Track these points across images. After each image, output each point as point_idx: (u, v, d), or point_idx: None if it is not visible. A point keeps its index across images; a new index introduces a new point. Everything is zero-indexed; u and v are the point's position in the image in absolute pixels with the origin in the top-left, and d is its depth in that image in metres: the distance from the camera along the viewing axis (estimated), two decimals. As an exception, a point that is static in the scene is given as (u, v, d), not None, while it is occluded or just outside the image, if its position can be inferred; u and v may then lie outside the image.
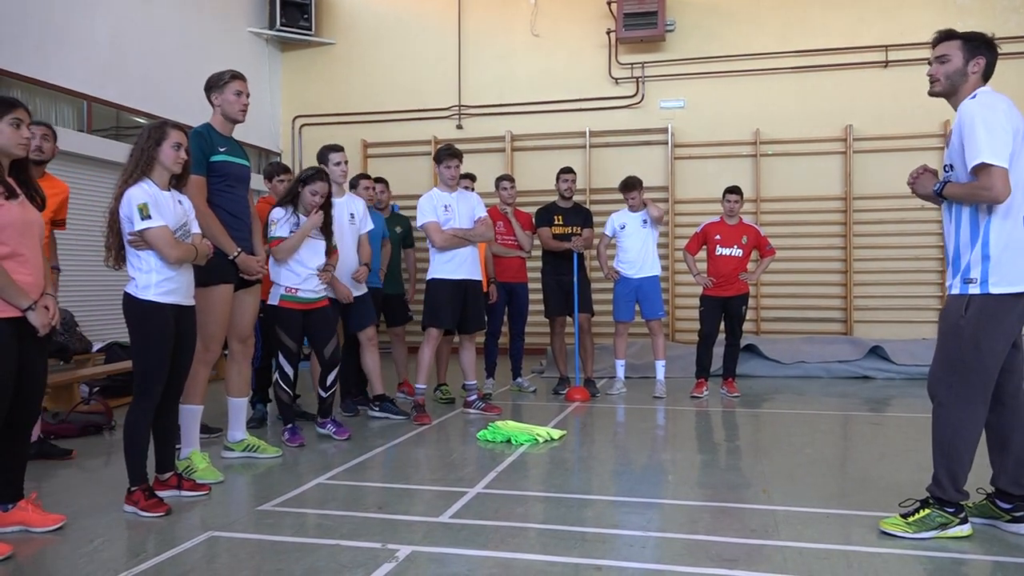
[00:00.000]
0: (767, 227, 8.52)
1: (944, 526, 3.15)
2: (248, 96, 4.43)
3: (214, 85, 4.39)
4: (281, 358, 4.95)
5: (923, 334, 9.32)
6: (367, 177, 6.60)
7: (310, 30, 10.89)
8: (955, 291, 3.17)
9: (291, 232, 4.85)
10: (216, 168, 4.28)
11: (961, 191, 3.12)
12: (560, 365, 7.11)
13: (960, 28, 10.61)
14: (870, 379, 7.85)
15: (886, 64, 9.51)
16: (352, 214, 5.62)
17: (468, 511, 3.58)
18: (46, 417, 5.16)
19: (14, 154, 3.27)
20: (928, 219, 9.51)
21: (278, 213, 4.88)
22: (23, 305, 3.17)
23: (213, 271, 4.11)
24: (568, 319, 7.01)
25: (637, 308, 6.91)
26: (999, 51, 3.31)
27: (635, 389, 7.14)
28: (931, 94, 3.34)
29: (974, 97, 3.16)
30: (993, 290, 3.07)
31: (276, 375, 4.98)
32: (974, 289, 3.10)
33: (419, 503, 3.76)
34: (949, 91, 3.27)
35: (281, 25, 10.70)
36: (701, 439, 5.43)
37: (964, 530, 3.16)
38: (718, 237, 6.75)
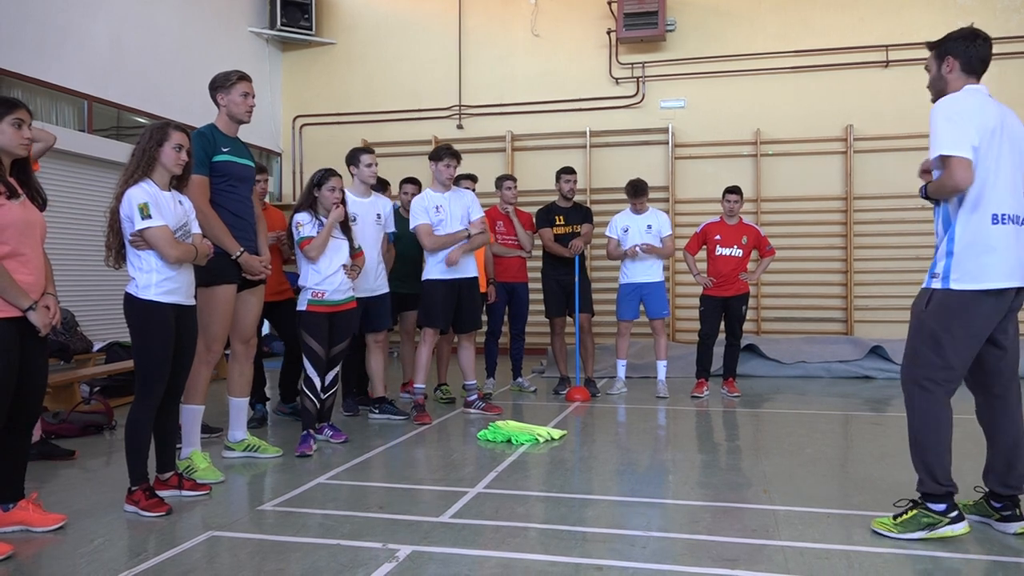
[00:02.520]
0: (767, 227, 8.52)
1: (932, 526, 3.13)
2: (254, 97, 4.44)
3: (220, 85, 4.39)
4: (307, 364, 4.87)
5: (923, 334, 9.32)
6: (413, 182, 6.62)
7: (311, 30, 10.89)
8: (924, 285, 3.24)
9: (318, 231, 4.86)
10: (219, 168, 4.29)
11: (934, 187, 3.20)
12: (560, 365, 7.11)
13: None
14: (871, 379, 7.85)
15: (887, 64, 9.52)
16: (379, 214, 5.63)
17: (469, 511, 3.58)
18: (47, 417, 5.16)
19: (16, 154, 3.29)
20: (928, 219, 9.43)
21: (303, 217, 4.88)
22: (24, 305, 3.17)
23: (216, 271, 4.12)
24: (568, 319, 7.01)
25: (641, 308, 6.90)
26: (996, 48, 3.35)
27: (636, 389, 7.14)
28: (932, 102, 3.39)
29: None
30: (954, 286, 3.10)
31: (301, 382, 4.93)
32: (936, 284, 3.16)
33: (420, 503, 3.76)
34: (939, 97, 3.32)
35: (282, 25, 10.71)
36: (702, 439, 5.43)
37: (956, 529, 3.13)
38: (718, 237, 6.75)
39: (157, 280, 3.58)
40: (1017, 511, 3.21)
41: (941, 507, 3.14)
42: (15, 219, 3.19)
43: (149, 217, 3.51)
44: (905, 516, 3.18)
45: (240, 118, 4.41)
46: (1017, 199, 3.14)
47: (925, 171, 3.34)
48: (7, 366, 3.14)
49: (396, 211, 6.49)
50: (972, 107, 3.11)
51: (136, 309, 3.58)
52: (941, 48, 3.30)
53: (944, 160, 3.06)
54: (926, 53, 3.39)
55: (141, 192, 3.55)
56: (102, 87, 8.12)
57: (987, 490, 3.32)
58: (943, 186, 3.11)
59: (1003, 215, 3.10)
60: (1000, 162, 3.11)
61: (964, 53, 3.24)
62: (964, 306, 3.10)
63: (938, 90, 3.32)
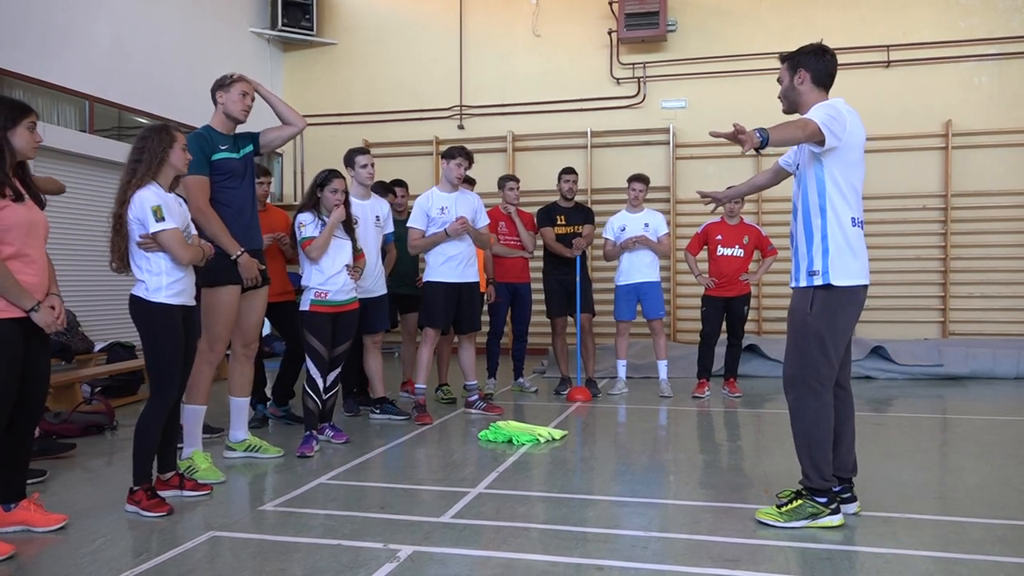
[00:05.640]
0: (768, 227, 8.51)
1: (815, 516, 3.30)
2: (252, 99, 4.47)
3: (221, 85, 4.47)
4: (311, 364, 4.88)
5: (925, 334, 9.32)
6: (401, 184, 6.76)
7: (312, 30, 10.89)
8: (801, 284, 3.41)
9: (320, 232, 4.87)
10: (218, 166, 4.33)
11: (784, 126, 3.24)
12: (562, 365, 7.11)
13: (962, 27, 10.55)
14: (872, 379, 7.84)
15: (888, 64, 9.50)
16: (377, 216, 5.66)
17: (469, 511, 3.58)
18: (48, 417, 5.17)
19: (27, 156, 3.34)
20: (930, 219, 9.51)
21: (306, 217, 4.90)
22: (26, 306, 3.18)
23: (221, 272, 4.14)
24: (569, 319, 7.01)
25: (638, 308, 6.91)
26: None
27: (637, 389, 7.14)
28: (783, 112, 3.59)
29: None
30: (835, 281, 3.31)
31: (304, 382, 4.93)
32: (817, 280, 3.34)
33: (421, 503, 3.76)
34: (792, 107, 3.55)
35: (283, 25, 10.71)
36: (703, 439, 5.43)
37: (835, 520, 3.30)
38: (719, 237, 6.75)
39: (167, 283, 3.59)
40: (853, 493, 3.48)
41: (823, 499, 3.33)
42: (20, 220, 3.20)
43: (163, 220, 3.52)
44: (790, 506, 3.35)
45: (235, 116, 4.44)
46: (861, 205, 3.44)
47: (739, 132, 3.28)
48: (10, 366, 3.15)
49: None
50: (848, 119, 3.32)
51: (147, 312, 3.57)
52: (794, 60, 3.49)
53: (809, 120, 3.23)
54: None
55: (152, 195, 3.55)
56: (103, 87, 8.13)
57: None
58: (800, 131, 3.20)
59: (859, 219, 3.39)
60: (860, 171, 3.40)
61: (815, 67, 3.45)
62: (846, 300, 3.33)
63: (791, 100, 3.52)
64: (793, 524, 3.29)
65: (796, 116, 3.39)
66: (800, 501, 3.34)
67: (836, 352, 3.35)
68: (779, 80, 3.56)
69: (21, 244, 3.21)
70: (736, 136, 3.17)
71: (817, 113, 3.28)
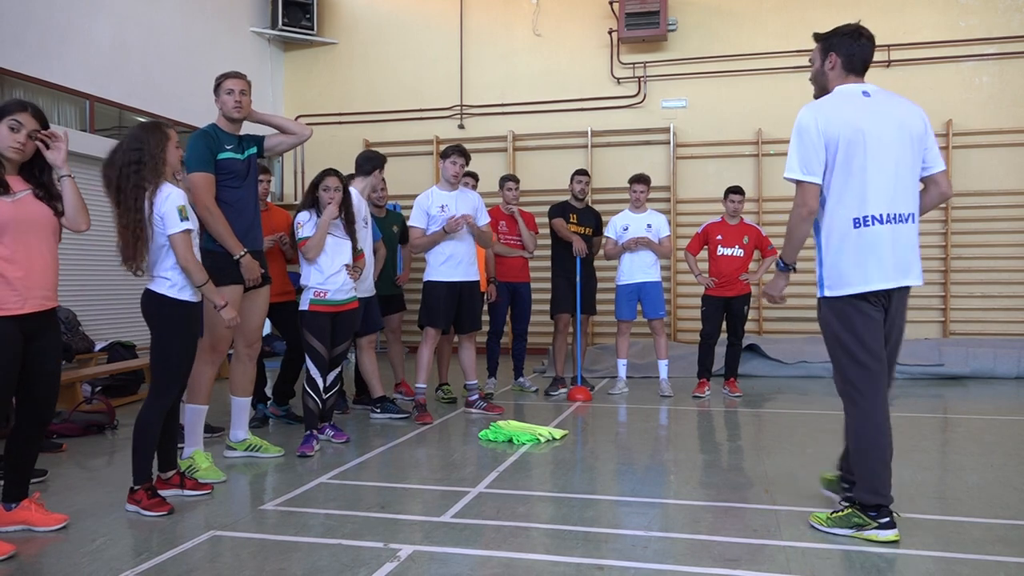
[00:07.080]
0: (769, 227, 8.51)
1: (860, 527, 3.14)
2: (241, 93, 4.43)
3: (215, 87, 4.47)
4: (310, 364, 4.88)
5: (925, 334, 9.32)
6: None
7: (312, 30, 10.89)
8: (819, 294, 3.29)
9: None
10: (222, 166, 4.35)
11: (792, 222, 3.19)
12: (559, 364, 7.09)
13: (963, 27, 10.52)
14: (872, 379, 7.83)
15: (888, 64, 9.49)
16: (365, 219, 5.67)
17: (470, 511, 3.58)
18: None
19: (7, 157, 3.27)
20: (929, 219, 9.49)
21: (303, 217, 4.91)
22: None
23: (224, 272, 4.15)
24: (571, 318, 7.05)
25: (639, 308, 6.92)
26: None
27: (637, 389, 7.14)
28: (814, 97, 3.41)
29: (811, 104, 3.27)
30: (828, 293, 3.19)
31: (304, 382, 4.93)
32: (821, 292, 3.23)
33: (421, 503, 3.77)
34: (821, 91, 3.34)
35: (283, 25, 10.71)
36: (703, 439, 5.43)
37: (882, 535, 3.09)
38: (720, 237, 6.75)
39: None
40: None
41: (873, 511, 3.14)
42: (5, 218, 3.18)
43: (186, 219, 3.55)
44: (839, 513, 3.23)
45: (228, 115, 4.44)
46: (887, 199, 3.10)
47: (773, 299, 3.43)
48: (7, 365, 3.14)
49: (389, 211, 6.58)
50: (824, 118, 3.10)
51: (169, 309, 3.56)
52: (827, 42, 3.25)
53: (797, 185, 3.13)
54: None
55: (179, 194, 3.57)
56: (104, 87, 8.13)
57: (840, 473, 3.48)
58: (796, 214, 3.15)
59: (868, 217, 3.09)
60: (866, 164, 3.08)
61: (847, 50, 3.20)
62: (853, 308, 3.14)
63: (820, 85, 3.34)
64: (835, 531, 3.17)
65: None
66: (849, 510, 3.19)
67: (868, 355, 3.12)
68: (810, 61, 3.35)
69: (4, 239, 3.18)
70: (774, 298, 3.33)
71: (792, 168, 3.14)
